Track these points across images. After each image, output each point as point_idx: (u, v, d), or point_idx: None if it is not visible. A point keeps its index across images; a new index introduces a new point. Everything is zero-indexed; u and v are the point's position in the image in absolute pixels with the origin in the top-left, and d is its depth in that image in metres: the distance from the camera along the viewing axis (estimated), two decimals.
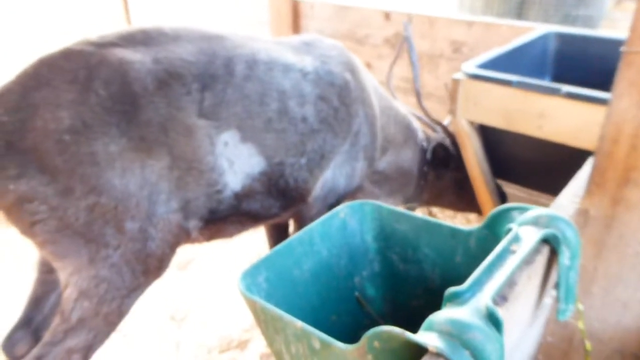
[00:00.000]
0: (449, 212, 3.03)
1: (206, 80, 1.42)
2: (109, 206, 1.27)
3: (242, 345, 2.20)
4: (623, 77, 1.07)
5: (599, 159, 1.15)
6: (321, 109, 1.66)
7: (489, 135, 2.10)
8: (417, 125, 2.24)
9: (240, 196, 1.53)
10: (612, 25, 4.48)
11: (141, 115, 1.31)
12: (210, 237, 1.63)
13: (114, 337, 2.21)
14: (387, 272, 1.43)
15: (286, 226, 2.10)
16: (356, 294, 1.42)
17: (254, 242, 2.85)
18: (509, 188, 2.55)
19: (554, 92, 1.75)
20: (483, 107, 1.92)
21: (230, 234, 1.68)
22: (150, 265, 1.37)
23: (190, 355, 2.15)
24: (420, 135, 2.24)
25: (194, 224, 1.46)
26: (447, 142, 2.24)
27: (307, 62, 1.69)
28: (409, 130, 2.16)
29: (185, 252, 2.78)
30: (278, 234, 2.14)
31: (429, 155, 2.22)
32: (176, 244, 1.45)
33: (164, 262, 1.42)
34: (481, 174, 2.09)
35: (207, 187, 1.44)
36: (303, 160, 1.63)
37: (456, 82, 1.95)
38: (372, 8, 3.29)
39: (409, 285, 1.39)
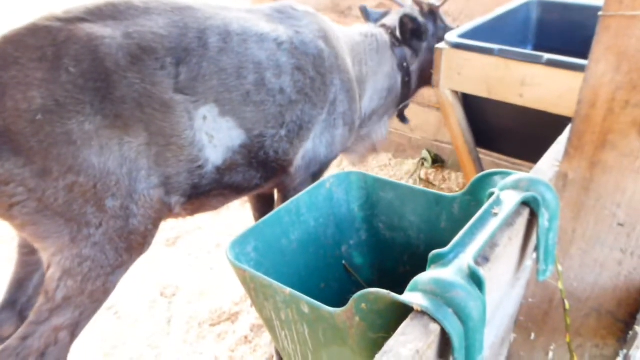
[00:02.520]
0: (440, 177, 3.08)
1: (180, 54, 1.40)
2: (88, 185, 1.27)
3: (233, 317, 2.24)
4: (600, 42, 1.08)
5: (577, 123, 1.18)
6: (298, 79, 1.65)
7: (472, 105, 2.12)
8: (384, 32, 2.15)
9: (222, 170, 1.54)
10: None
11: (115, 92, 1.30)
12: (193, 211, 1.64)
13: (106, 314, 2.25)
14: (373, 240, 1.45)
15: (271, 198, 2.12)
16: (344, 262, 1.45)
17: (241, 216, 2.87)
18: (493, 157, 2.59)
19: (535, 60, 1.77)
20: (466, 76, 1.94)
21: (214, 207, 1.69)
22: (133, 242, 1.38)
23: (182, 329, 2.18)
24: (389, 37, 2.14)
25: (176, 199, 1.47)
26: (415, 12, 2.17)
27: (281, 32, 1.67)
28: (378, 46, 2.08)
29: (173, 229, 2.79)
30: (263, 207, 2.16)
31: (398, 33, 2.13)
32: (159, 219, 1.45)
33: (147, 238, 1.43)
34: (465, 144, 2.12)
35: (188, 162, 1.44)
36: (283, 132, 1.63)
37: (439, 51, 1.96)
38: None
39: (395, 253, 1.42)
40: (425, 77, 2.20)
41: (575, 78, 1.67)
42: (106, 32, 1.32)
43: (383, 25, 2.16)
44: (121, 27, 1.35)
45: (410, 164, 3.26)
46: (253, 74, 1.54)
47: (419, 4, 2.15)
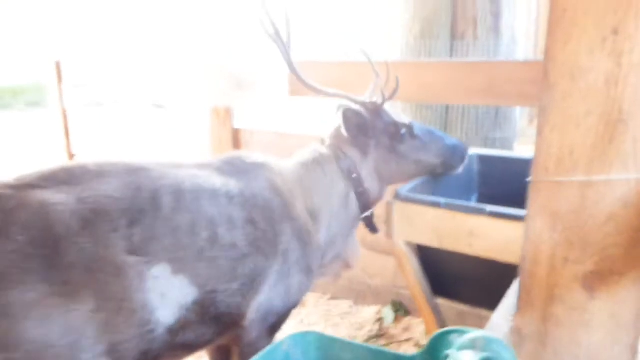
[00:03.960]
0: (401, 327, 3.01)
1: (134, 215, 1.41)
2: None
3: None
4: (534, 203, 1.18)
5: (523, 278, 1.22)
6: (249, 232, 1.66)
7: (426, 255, 2.17)
8: (325, 148, 2.07)
9: (175, 330, 1.47)
10: (528, 142, 4.98)
11: (64, 258, 1.27)
12: None
13: None
14: None
15: (230, 351, 2.01)
16: None
17: None
18: (453, 303, 2.59)
19: (479, 211, 1.88)
20: (417, 228, 2.02)
21: None
22: None
23: None
24: (332, 151, 2.04)
25: None
26: (358, 107, 2.06)
27: (232, 185, 1.70)
28: (323, 169, 1.99)
29: None
30: (222, 358, 2.03)
31: (343, 131, 1.99)
32: None
33: None
34: (422, 293, 2.13)
35: (139, 327, 1.37)
36: (235, 286, 1.60)
37: (390, 205, 2.06)
38: (309, 135, 3.50)
39: None
40: (387, 176, 2.09)
41: (517, 227, 1.77)
42: (59, 197, 1.33)
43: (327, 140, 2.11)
44: (75, 191, 1.36)
45: (371, 310, 3.21)
46: (206, 231, 1.54)
47: (362, 104, 2.08)
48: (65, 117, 4.30)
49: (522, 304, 1.24)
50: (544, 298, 1.21)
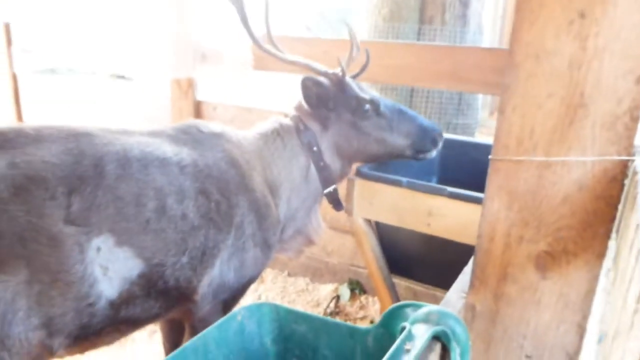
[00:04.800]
0: (357, 305, 3.05)
1: (73, 183, 1.33)
2: None
3: None
4: (492, 182, 1.19)
5: (479, 256, 1.24)
6: (201, 203, 1.59)
7: (384, 233, 2.19)
8: (287, 120, 2.03)
9: (117, 304, 1.41)
10: (488, 132, 5.11)
11: None
12: (82, 351, 1.46)
13: None
14: None
15: (183, 327, 1.97)
16: None
17: (149, 350, 2.63)
18: (409, 283, 2.63)
19: (439, 192, 1.90)
20: (377, 205, 2.03)
21: (107, 344, 1.53)
22: None
23: None
24: (293, 122, 2.00)
25: (59, 341, 1.31)
26: (322, 78, 2.00)
27: (184, 154, 1.63)
28: (283, 141, 1.96)
29: None
30: (176, 336, 1.99)
31: (303, 101, 1.96)
32: None
33: None
34: (378, 270, 2.15)
35: (76, 300, 1.31)
36: (185, 259, 1.54)
37: (351, 181, 2.06)
38: (273, 110, 3.45)
39: None
40: (348, 153, 2.02)
41: (475, 209, 1.80)
42: None
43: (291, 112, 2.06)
44: (7, 156, 1.28)
45: (328, 288, 3.23)
46: (153, 201, 1.48)
47: (325, 74, 2.01)
48: (15, 82, 4.07)
49: (476, 282, 1.26)
50: (497, 276, 1.24)
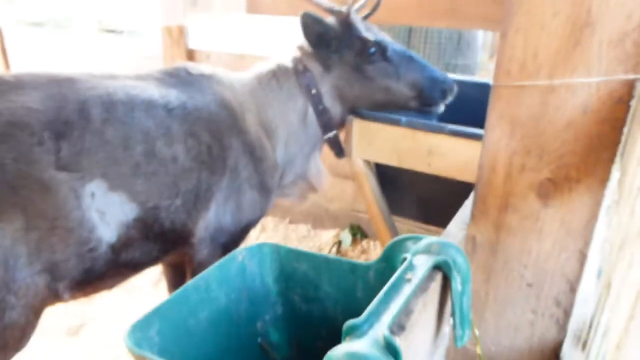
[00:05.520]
0: (358, 250, 3.07)
1: (59, 128, 1.30)
2: None
3: None
4: (493, 110, 1.15)
5: (480, 187, 1.22)
6: (191, 146, 1.57)
7: (385, 173, 2.17)
8: (286, 60, 1.95)
9: (117, 248, 1.42)
10: (488, 75, 5.01)
11: None
12: (86, 295, 1.48)
13: None
14: (290, 315, 1.38)
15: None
16: (259, 340, 1.36)
17: (154, 298, 2.67)
18: (409, 225, 2.64)
19: (439, 130, 1.86)
20: (376, 146, 2.00)
21: (110, 287, 1.55)
22: (9, 338, 1.22)
23: None
24: (291, 63, 1.93)
25: (64, 285, 1.32)
26: (327, 18, 1.91)
27: (172, 97, 1.59)
28: (279, 82, 1.89)
29: (75, 315, 2.53)
30: (179, 283, 2.02)
31: (304, 39, 1.88)
32: (42, 308, 1.31)
33: (26, 330, 1.27)
34: (379, 212, 2.15)
35: (78, 246, 1.31)
36: (178, 202, 1.54)
37: (349, 122, 2.02)
38: (269, 56, 3.36)
39: (313, 326, 1.35)
40: (350, 98, 1.94)
41: (476, 146, 1.77)
42: None
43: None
44: None
45: (330, 234, 3.25)
46: (141, 144, 1.45)
47: (330, 11, 1.90)
48: (0, 34, 3.95)
49: (477, 213, 1.24)
50: (498, 207, 1.22)
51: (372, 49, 1.89)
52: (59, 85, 1.38)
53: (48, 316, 2.50)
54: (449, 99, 1.98)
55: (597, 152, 1.07)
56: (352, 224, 3.21)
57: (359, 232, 3.18)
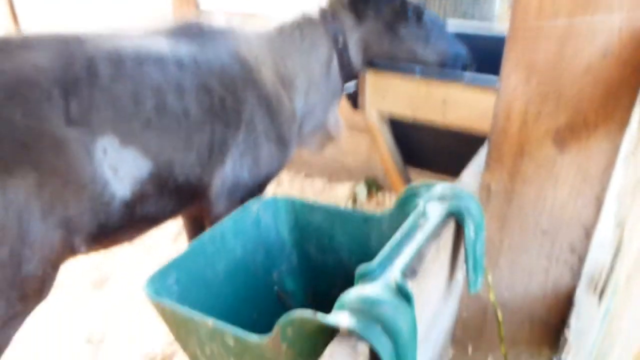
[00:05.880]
0: (374, 203, 3.09)
1: (67, 85, 1.30)
2: None
3: (167, 359, 2.10)
4: (509, 57, 1.12)
5: (494, 136, 1.21)
6: (203, 99, 1.55)
7: (399, 124, 2.15)
8: (314, 10, 1.93)
9: (132, 203, 1.43)
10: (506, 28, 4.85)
11: None
12: (104, 248, 1.52)
13: None
14: (305, 265, 1.41)
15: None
16: (275, 289, 1.40)
17: (174, 253, 2.74)
18: (424, 177, 2.63)
19: (456, 79, 1.82)
20: (390, 97, 1.97)
21: (128, 240, 1.58)
22: (28, 290, 1.25)
23: None
24: (319, 12, 1.92)
25: (80, 239, 1.35)
26: None
27: (183, 50, 1.58)
28: (302, 33, 1.88)
29: (100, 269, 2.62)
30: (199, 234, 2.05)
31: None
32: (59, 261, 1.33)
33: (45, 282, 1.30)
34: (394, 164, 2.14)
35: (92, 201, 1.33)
36: (192, 156, 1.54)
37: (362, 74, 1.98)
38: (278, 15, 3.29)
39: (328, 275, 1.38)
40: (374, 53, 1.95)
41: (492, 97, 1.74)
42: None
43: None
44: None
45: (345, 187, 3.26)
46: (152, 99, 1.44)
47: None
48: None
49: (492, 161, 1.23)
50: (513, 155, 1.21)
51: (410, 11, 1.90)
52: (66, 44, 1.37)
53: (73, 271, 2.58)
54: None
55: (616, 97, 1.05)
56: (368, 177, 3.21)
57: (374, 185, 3.19)
